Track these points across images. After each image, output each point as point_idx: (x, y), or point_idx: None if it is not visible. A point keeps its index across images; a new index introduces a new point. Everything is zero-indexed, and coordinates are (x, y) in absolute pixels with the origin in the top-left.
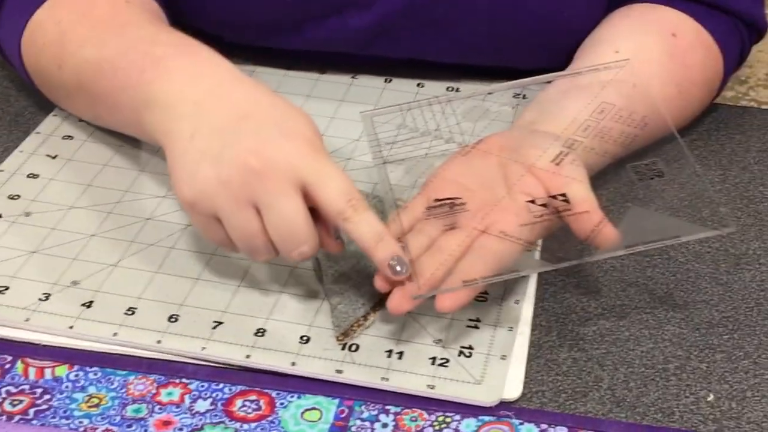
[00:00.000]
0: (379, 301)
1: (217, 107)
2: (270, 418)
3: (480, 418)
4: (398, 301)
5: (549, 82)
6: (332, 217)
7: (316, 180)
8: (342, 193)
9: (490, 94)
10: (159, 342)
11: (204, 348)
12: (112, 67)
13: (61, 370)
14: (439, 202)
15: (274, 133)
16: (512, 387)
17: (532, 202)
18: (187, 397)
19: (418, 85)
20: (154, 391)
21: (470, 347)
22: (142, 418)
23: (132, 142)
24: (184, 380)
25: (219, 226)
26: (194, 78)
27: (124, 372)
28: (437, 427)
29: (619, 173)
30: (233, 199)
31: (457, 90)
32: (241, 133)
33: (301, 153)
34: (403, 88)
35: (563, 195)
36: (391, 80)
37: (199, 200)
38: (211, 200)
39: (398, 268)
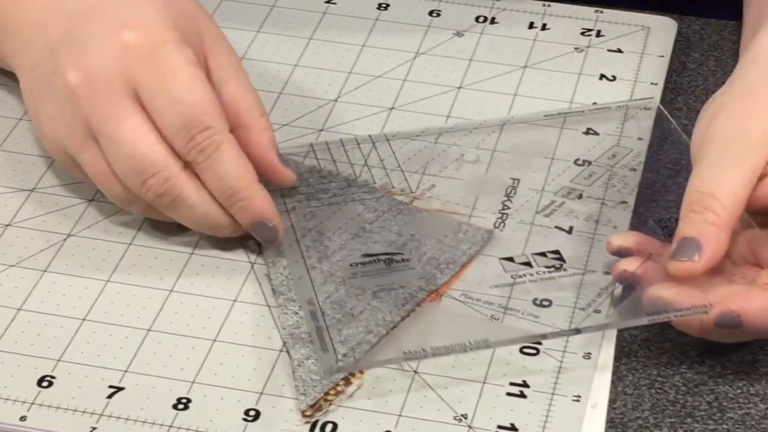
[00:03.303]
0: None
1: (55, 19)
2: None
3: None
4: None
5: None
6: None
7: (152, 89)
8: (183, 119)
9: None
10: (23, 419)
11: (94, 430)
12: None
13: None
14: None
15: (100, 33)
16: None
17: None
18: None
19: None
20: None
21: (512, 428)
22: None
23: None
24: None
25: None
26: None
27: None
28: None
29: None
30: (74, 136)
31: None
32: (68, 43)
33: (126, 50)
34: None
35: None
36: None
37: (52, 150)
38: (60, 146)
39: None
